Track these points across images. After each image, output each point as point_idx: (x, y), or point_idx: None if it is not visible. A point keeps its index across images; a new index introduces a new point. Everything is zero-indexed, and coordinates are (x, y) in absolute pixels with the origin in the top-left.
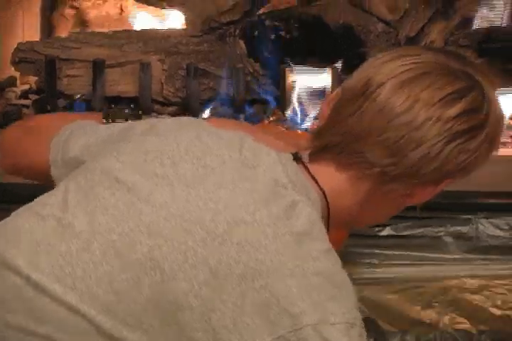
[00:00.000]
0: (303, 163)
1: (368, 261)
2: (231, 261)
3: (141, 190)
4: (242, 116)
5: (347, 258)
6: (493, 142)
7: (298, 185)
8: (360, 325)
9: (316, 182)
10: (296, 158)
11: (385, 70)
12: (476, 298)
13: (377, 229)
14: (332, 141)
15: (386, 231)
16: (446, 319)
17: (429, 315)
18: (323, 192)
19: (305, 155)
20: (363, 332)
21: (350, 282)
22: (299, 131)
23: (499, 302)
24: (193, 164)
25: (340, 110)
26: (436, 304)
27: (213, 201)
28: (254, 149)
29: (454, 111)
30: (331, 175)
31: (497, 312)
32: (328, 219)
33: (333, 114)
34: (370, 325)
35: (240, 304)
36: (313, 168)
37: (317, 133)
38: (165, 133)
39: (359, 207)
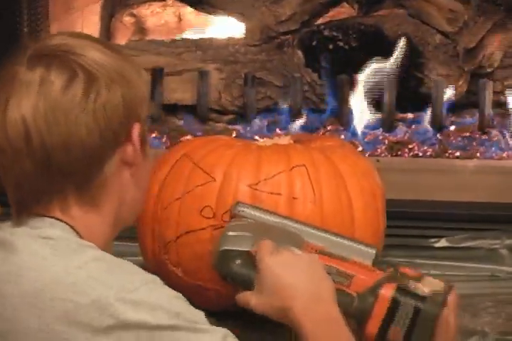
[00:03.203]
0: None
1: (423, 272)
2: None
3: None
4: (298, 125)
5: None
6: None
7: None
8: (159, 282)
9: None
10: None
11: None
12: None
13: (432, 240)
14: None
15: (441, 243)
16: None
17: (478, 324)
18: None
19: None
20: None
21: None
22: (356, 142)
23: None
24: None
25: None
26: (487, 315)
27: None
28: None
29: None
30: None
31: None
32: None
33: None
34: None
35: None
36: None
37: None
38: None
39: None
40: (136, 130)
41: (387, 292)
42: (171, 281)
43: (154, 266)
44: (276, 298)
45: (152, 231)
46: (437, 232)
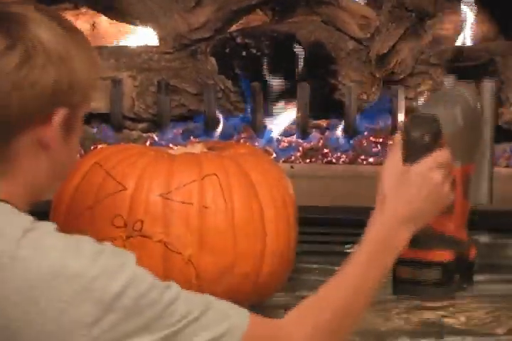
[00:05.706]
0: None
1: None
2: None
3: None
4: (213, 132)
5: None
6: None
7: None
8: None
9: None
10: None
11: None
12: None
13: (346, 246)
14: None
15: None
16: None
17: (390, 328)
18: None
19: None
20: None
21: None
22: (269, 149)
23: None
24: None
25: None
26: (400, 320)
27: None
28: None
29: None
30: None
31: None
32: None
33: None
34: None
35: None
36: None
37: None
38: None
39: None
40: (59, 115)
41: None
42: None
43: None
44: None
45: None
46: (351, 238)
